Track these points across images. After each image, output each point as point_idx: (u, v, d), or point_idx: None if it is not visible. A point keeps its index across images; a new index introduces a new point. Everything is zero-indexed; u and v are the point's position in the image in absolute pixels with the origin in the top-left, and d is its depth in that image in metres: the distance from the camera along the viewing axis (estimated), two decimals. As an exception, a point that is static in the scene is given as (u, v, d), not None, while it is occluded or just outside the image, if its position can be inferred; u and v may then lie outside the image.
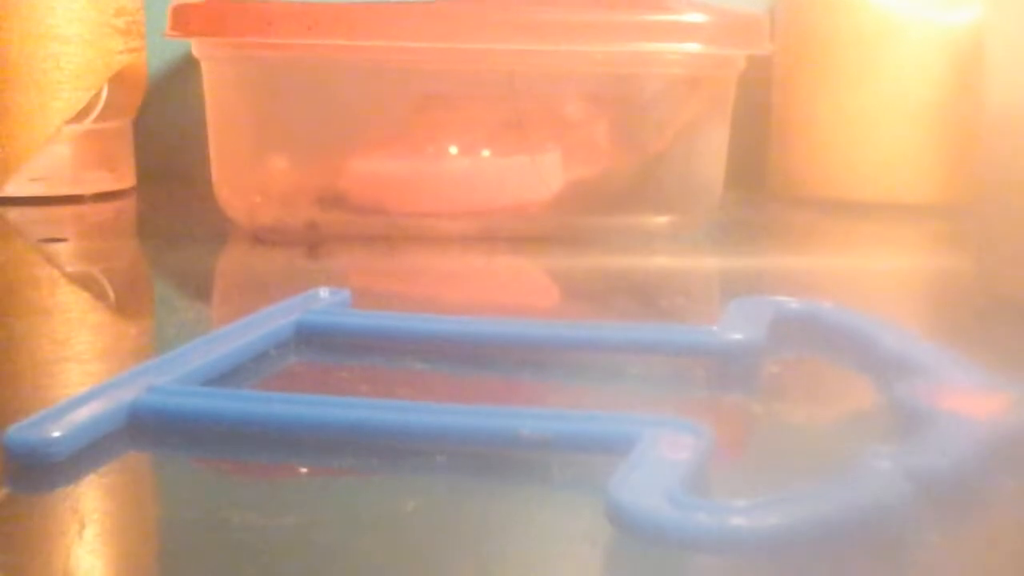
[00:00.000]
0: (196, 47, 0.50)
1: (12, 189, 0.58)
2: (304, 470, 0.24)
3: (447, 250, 0.49)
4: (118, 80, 0.60)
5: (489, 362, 0.32)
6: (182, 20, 0.49)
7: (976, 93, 0.49)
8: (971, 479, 0.23)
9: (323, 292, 0.36)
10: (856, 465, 0.21)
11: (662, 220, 0.52)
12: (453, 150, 0.51)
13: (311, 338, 0.33)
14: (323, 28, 0.47)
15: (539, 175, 0.51)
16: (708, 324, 0.33)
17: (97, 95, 0.59)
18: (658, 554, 0.20)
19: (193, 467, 0.25)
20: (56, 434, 0.24)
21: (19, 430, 0.24)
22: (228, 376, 0.30)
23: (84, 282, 0.44)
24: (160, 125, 0.66)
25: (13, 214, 0.56)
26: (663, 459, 0.22)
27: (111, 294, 0.43)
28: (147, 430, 0.26)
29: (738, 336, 0.32)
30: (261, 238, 0.50)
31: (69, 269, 0.46)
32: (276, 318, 0.33)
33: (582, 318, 0.40)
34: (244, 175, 0.51)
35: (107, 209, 0.59)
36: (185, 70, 0.65)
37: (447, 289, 0.45)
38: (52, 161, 0.58)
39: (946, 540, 0.21)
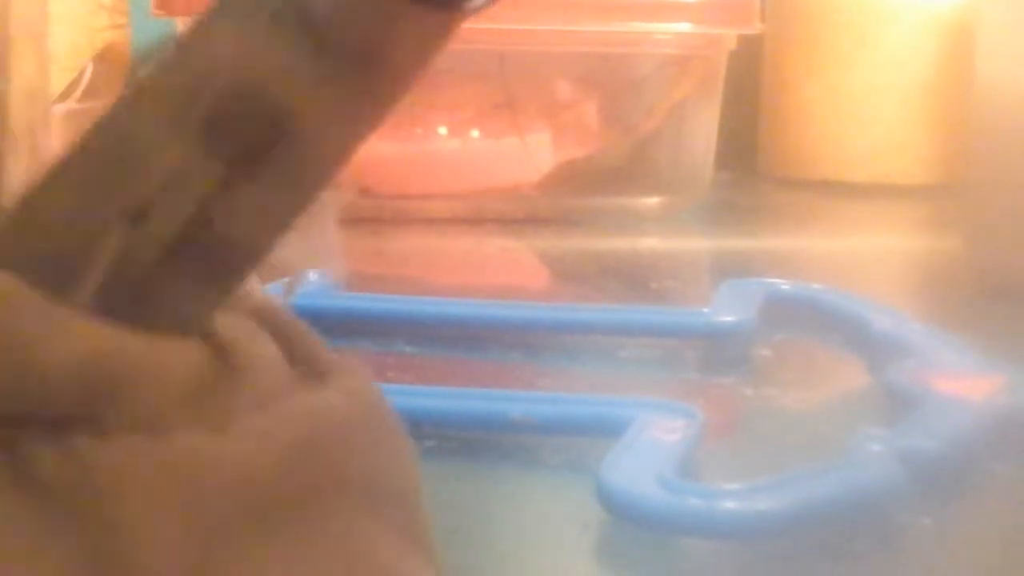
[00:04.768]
0: (182, 26, 0.50)
1: (-3, 170, 0.57)
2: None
3: (436, 232, 0.49)
4: (101, 59, 0.59)
5: (479, 345, 0.32)
6: (168, -1, 0.49)
7: (967, 74, 0.49)
8: (962, 462, 0.23)
9: (312, 274, 0.36)
10: (847, 448, 0.21)
11: (652, 201, 0.52)
12: (442, 131, 0.51)
13: (300, 321, 0.33)
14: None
15: (529, 156, 0.51)
16: (699, 306, 0.32)
17: (81, 74, 0.59)
18: (649, 537, 0.20)
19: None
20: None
21: None
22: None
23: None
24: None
25: (-2, 195, 0.55)
26: (654, 442, 0.22)
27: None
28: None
29: (729, 318, 0.31)
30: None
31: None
32: (264, 300, 0.33)
33: (572, 300, 0.40)
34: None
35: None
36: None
37: (437, 271, 0.45)
38: (37, 142, 0.58)
39: (937, 523, 0.21)
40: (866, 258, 0.47)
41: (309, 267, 0.13)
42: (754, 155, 0.65)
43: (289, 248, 0.12)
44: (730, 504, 0.19)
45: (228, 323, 0.11)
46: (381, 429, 0.12)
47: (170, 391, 0.10)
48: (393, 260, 0.46)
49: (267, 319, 0.12)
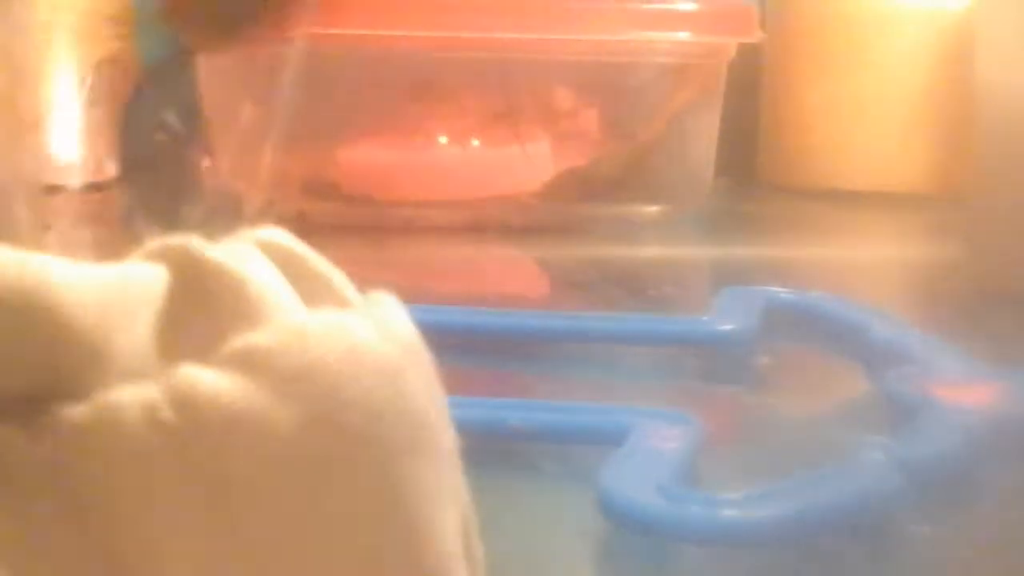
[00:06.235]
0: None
1: (-2, 178, 0.57)
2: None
3: (437, 240, 0.49)
4: (104, 67, 0.59)
5: (479, 353, 0.32)
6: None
7: (967, 81, 0.49)
8: (962, 469, 0.23)
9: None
10: (848, 456, 0.21)
11: (652, 209, 0.52)
12: (443, 139, 0.51)
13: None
14: (313, 16, 0.46)
15: (529, 164, 0.51)
16: (699, 314, 0.32)
17: (83, 82, 0.59)
18: (649, 545, 0.20)
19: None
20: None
21: None
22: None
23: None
24: (148, 113, 0.65)
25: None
26: (654, 450, 0.22)
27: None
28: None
29: (729, 326, 0.31)
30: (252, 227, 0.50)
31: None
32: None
33: (572, 308, 0.40)
34: (237, 164, 0.51)
35: (93, 197, 0.58)
36: (174, 58, 0.65)
37: (437, 279, 0.45)
38: (38, 150, 0.58)
39: (938, 531, 0.21)
40: (866, 266, 0.47)
41: None
42: (754, 163, 0.65)
43: None
44: (730, 512, 0.19)
45: (223, 250, 0.09)
46: (419, 367, 0.09)
47: (139, 332, 0.08)
48: (393, 268, 0.46)
49: (275, 252, 0.10)
